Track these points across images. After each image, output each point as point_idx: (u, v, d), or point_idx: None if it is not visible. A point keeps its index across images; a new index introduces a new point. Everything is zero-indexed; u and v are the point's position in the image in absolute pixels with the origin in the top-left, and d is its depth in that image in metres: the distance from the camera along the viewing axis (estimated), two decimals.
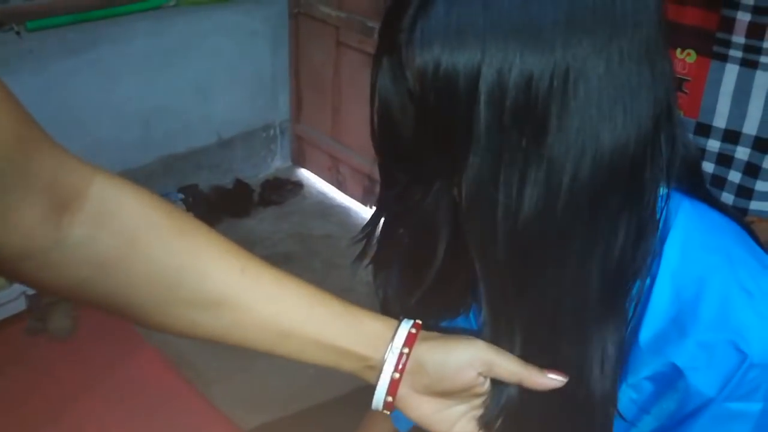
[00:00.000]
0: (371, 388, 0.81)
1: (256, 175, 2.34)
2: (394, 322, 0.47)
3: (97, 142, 1.94)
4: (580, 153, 0.38)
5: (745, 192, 0.96)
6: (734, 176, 0.97)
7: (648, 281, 0.45)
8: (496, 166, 0.39)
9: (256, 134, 2.31)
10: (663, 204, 0.44)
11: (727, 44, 0.91)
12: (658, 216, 0.44)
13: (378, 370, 0.46)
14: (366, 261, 0.55)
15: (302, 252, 2.02)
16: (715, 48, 0.92)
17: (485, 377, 0.45)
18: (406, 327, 0.46)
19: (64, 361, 1.60)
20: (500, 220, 0.40)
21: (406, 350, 0.45)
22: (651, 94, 0.39)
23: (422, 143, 0.43)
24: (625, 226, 0.42)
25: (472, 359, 0.44)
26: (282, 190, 2.27)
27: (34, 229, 0.38)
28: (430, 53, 0.38)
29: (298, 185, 2.31)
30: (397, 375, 0.45)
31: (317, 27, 2.15)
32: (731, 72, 0.92)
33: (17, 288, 1.57)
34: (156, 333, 1.69)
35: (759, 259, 0.46)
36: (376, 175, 0.50)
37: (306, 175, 2.40)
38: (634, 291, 0.45)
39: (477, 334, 0.47)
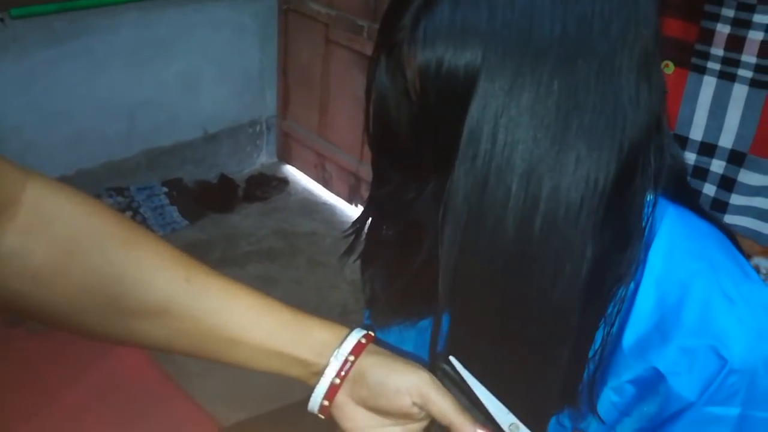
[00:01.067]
0: None
1: (241, 170, 2.33)
2: (345, 330, 0.47)
3: (80, 133, 1.92)
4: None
5: (719, 205, 0.97)
6: (709, 189, 0.98)
7: (632, 286, 0.46)
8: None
9: (242, 129, 2.30)
10: (649, 210, 0.45)
11: (706, 56, 0.92)
12: (644, 223, 0.45)
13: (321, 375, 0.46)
14: (353, 257, 0.55)
15: (286, 249, 2.01)
16: (694, 60, 0.93)
17: (418, 408, 0.44)
18: (356, 336, 0.46)
19: (42, 356, 1.58)
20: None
21: (351, 358, 0.45)
22: (647, 105, 0.40)
23: (419, 141, 0.43)
24: (610, 232, 0.42)
25: (410, 387, 0.44)
26: (267, 186, 2.26)
27: None
28: (433, 52, 0.38)
29: (284, 182, 2.30)
30: (338, 381, 0.45)
31: (306, 23, 2.14)
32: (709, 84, 0.93)
33: None
34: None
35: (741, 266, 0.47)
36: (362, 173, 0.50)
37: (291, 171, 2.39)
38: (618, 296, 0.45)
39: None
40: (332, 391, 0.45)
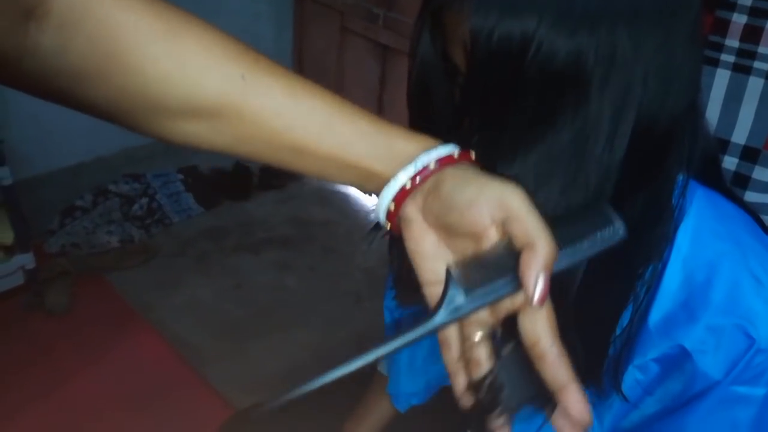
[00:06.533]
0: (369, 369, 0.82)
1: None
2: (435, 143, 0.39)
3: (98, 121, 1.93)
4: (614, 128, 0.39)
5: None
6: None
7: (659, 266, 0.46)
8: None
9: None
10: (680, 191, 0.45)
11: (720, 48, 0.89)
12: (674, 203, 0.45)
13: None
14: (372, 243, 0.55)
15: (300, 236, 2.02)
16: (707, 52, 0.90)
17: (497, 230, 0.36)
18: (447, 149, 0.39)
19: (60, 338, 1.60)
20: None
21: (432, 166, 0.38)
22: (692, 78, 0.40)
23: (463, 105, 0.43)
24: (641, 208, 0.42)
25: (491, 198, 0.36)
26: (282, 174, 2.26)
27: (1, 38, 0.34)
28: (486, 18, 0.38)
29: None
30: (409, 185, 0.38)
31: (322, 11, 2.14)
32: (722, 77, 0.90)
33: (15, 262, 1.57)
34: (153, 312, 1.71)
35: None
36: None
37: None
38: (646, 275, 0.45)
39: None
40: (401, 195, 0.38)
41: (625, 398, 0.48)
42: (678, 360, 0.46)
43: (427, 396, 0.75)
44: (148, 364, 1.57)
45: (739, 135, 0.91)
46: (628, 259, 0.45)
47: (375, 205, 0.40)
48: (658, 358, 0.46)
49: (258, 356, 1.58)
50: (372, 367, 0.82)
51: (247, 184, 2.19)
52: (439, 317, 0.36)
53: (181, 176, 2.12)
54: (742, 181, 0.94)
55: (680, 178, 0.45)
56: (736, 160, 0.93)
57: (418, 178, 0.38)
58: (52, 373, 1.50)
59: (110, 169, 2.03)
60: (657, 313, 0.46)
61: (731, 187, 0.51)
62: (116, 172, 2.04)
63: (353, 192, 2.24)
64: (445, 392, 0.75)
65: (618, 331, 0.47)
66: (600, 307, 0.46)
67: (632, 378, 0.48)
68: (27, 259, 1.58)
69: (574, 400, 0.34)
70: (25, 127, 1.78)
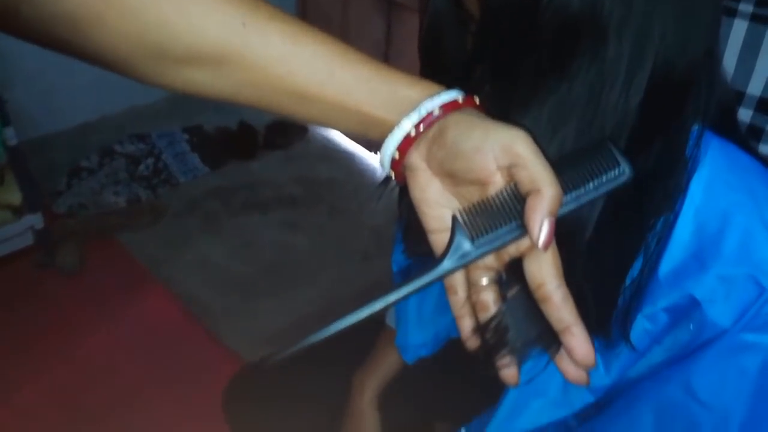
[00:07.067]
0: (378, 322, 0.83)
1: (260, 117, 2.32)
2: (439, 88, 0.39)
3: (101, 79, 1.92)
4: (631, 75, 0.38)
5: None
6: None
7: (671, 217, 0.46)
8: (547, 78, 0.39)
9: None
10: (694, 142, 0.44)
11: None
12: (688, 153, 0.44)
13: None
14: (379, 201, 0.55)
15: (307, 196, 2.02)
16: (725, 2, 0.89)
17: (503, 175, 0.36)
18: (452, 94, 0.38)
19: (72, 295, 1.63)
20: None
21: (437, 112, 0.37)
22: (712, 23, 0.40)
23: (475, 55, 0.43)
24: (654, 159, 0.42)
25: (496, 143, 0.35)
26: (287, 133, 2.25)
27: None
28: None
29: (303, 129, 2.29)
30: (413, 132, 0.38)
31: None
32: (739, 28, 0.88)
33: (24, 222, 1.58)
34: (163, 271, 1.73)
35: None
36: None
37: None
38: (658, 227, 0.45)
39: None
40: (405, 144, 0.38)
41: (633, 347, 0.49)
42: (687, 310, 0.46)
43: (435, 347, 0.76)
44: (159, 320, 1.60)
45: (755, 87, 0.90)
46: (640, 210, 0.45)
47: (379, 153, 0.40)
48: (667, 307, 0.47)
49: (267, 312, 1.60)
50: (380, 320, 0.83)
51: (253, 144, 2.18)
52: (446, 264, 0.36)
53: (186, 136, 2.11)
54: (757, 133, 0.93)
55: (695, 128, 0.44)
56: (750, 112, 0.92)
57: (422, 126, 0.37)
58: (67, 330, 1.54)
59: (115, 128, 2.02)
60: (667, 264, 0.46)
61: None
62: (121, 131, 2.03)
63: (359, 150, 2.23)
64: (453, 344, 0.76)
65: (628, 282, 0.47)
66: (610, 258, 0.46)
67: (641, 327, 0.48)
68: (36, 220, 1.59)
69: (578, 342, 0.35)
70: (28, 87, 1.77)
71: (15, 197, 1.55)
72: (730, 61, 0.91)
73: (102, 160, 1.97)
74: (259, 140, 2.21)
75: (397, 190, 0.54)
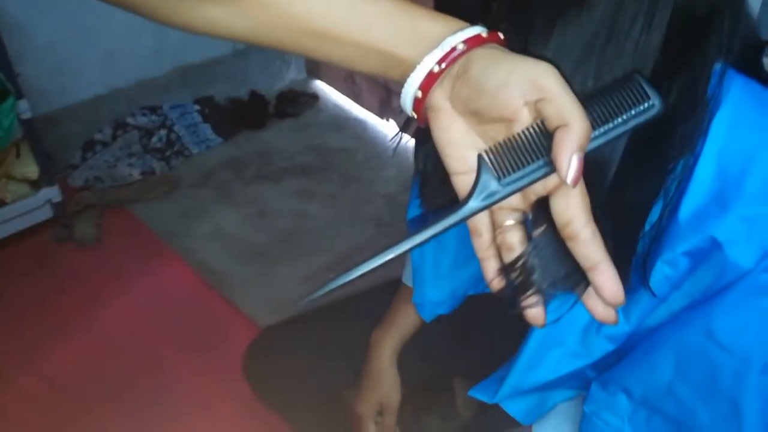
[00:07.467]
0: (394, 282, 0.83)
1: (271, 86, 2.31)
2: (462, 24, 0.37)
3: (110, 51, 1.91)
4: (653, 8, 0.38)
5: None
6: None
7: (691, 160, 0.45)
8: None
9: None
10: (716, 81, 0.43)
11: None
12: (710, 92, 0.43)
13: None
14: (406, 137, 0.54)
15: (319, 164, 2.02)
16: None
17: (529, 112, 0.35)
18: (476, 29, 0.36)
19: (91, 267, 1.65)
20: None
21: (461, 47, 0.35)
22: None
23: None
24: (675, 98, 0.41)
25: (523, 78, 0.34)
26: (297, 102, 2.24)
27: None
28: None
29: (314, 97, 2.28)
30: (437, 68, 0.36)
31: None
32: None
33: (42, 195, 1.60)
34: (179, 241, 1.74)
35: None
36: (393, 85, 0.48)
37: (321, 87, 2.36)
38: (678, 170, 0.45)
39: None
40: (428, 82, 0.36)
41: (653, 293, 0.49)
42: (708, 252, 0.45)
43: (453, 305, 0.77)
44: (177, 290, 1.62)
45: None
46: (660, 152, 0.44)
47: (401, 93, 0.38)
48: (688, 251, 0.46)
49: (282, 280, 1.61)
50: (397, 278, 0.83)
51: (264, 114, 2.18)
52: (472, 204, 0.36)
53: (197, 107, 2.11)
54: None
55: (718, 66, 0.43)
56: None
57: (445, 62, 0.36)
58: (87, 300, 1.56)
59: (127, 100, 2.02)
60: (688, 207, 0.46)
61: None
62: (133, 104, 2.03)
63: (370, 118, 2.22)
64: (470, 301, 0.77)
65: (647, 227, 0.47)
66: (630, 202, 0.45)
67: (661, 273, 0.48)
68: (53, 193, 1.61)
69: (606, 279, 0.34)
70: (41, 59, 1.77)
71: (32, 170, 1.56)
72: (753, 8, 0.89)
73: (115, 132, 1.98)
74: (270, 110, 2.20)
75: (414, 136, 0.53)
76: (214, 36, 0.39)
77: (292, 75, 2.39)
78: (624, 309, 0.52)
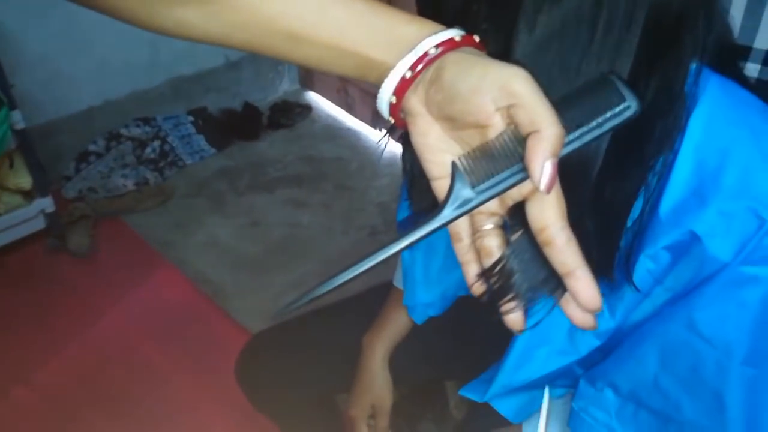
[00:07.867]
0: (384, 287, 0.83)
1: (264, 98, 2.33)
2: (438, 27, 0.37)
3: (104, 63, 1.92)
4: (631, 6, 0.39)
5: None
6: None
7: (671, 156, 0.46)
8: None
9: (263, 56, 2.29)
10: (692, 80, 0.45)
11: None
12: (686, 90, 0.44)
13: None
14: (395, 135, 0.55)
15: (313, 174, 2.03)
16: None
17: (502, 117, 0.35)
18: (450, 33, 0.36)
19: (85, 278, 1.65)
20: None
21: (433, 51, 0.35)
22: None
23: None
24: (652, 96, 0.42)
25: (494, 83, 0.33)
26: (291, 113, 2.25)
27: None
28: None
29: (307, 108, 2.30)
30: (409, 74, 0.36)
31: None
32: None
33: (36, 206, 1.60)
34: (173, 252, 1.74)
35: None
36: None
37: (314, 98, 2.38)
38: (658, 166, 0.46)
39: None
40: (402, 87, 0.36)
41: (636, 288, 0.49)
42: (688, 246, 0.46)
43: (443, 307, 0.77)
44: (171, 300, 1.62)
45: (762, 40, 0.88)
46: (640, 150, 0.45)
47: (378, 98, 0.38)
48: (668, 245, 0.47)
49: (276, 289, 1.62)
50: (388, 281, 0.84)
51: (257, 124, 2.19)
52: (446, 213, 0.35)
53: (191, 118, 2.12)
54: (765, 87, 0.92)
55: (693, 65, 0.45)
56: (758, 67, 0.91)
57: (418, 66, 0.35)
58: (81, 311, 1.56)
59: (121, 112, 2.03)
60: (668, 202, 0.47)
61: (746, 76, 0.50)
62: (126, 116, 2.04)
63: (363, 128, 2.23)
64: (461, 303, 0.77)
65: (629, 223, 0.48)
66: (611, 199, 0.46)
67: (643, 268, 0.49)
68: (46, 203, 1.61)
69: (582, 285, 0.34)
70: (34, 70, 1.78)
71: (25, 181, 1.57)
72: (737, 14, 0.90)
73: (109, 144, 1.98)
74: (263, 120, 2.21)
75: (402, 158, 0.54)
76: (188, 39, 0.39)
77: (286, 86, 2.41)
78: (609, 305, 0.53)
